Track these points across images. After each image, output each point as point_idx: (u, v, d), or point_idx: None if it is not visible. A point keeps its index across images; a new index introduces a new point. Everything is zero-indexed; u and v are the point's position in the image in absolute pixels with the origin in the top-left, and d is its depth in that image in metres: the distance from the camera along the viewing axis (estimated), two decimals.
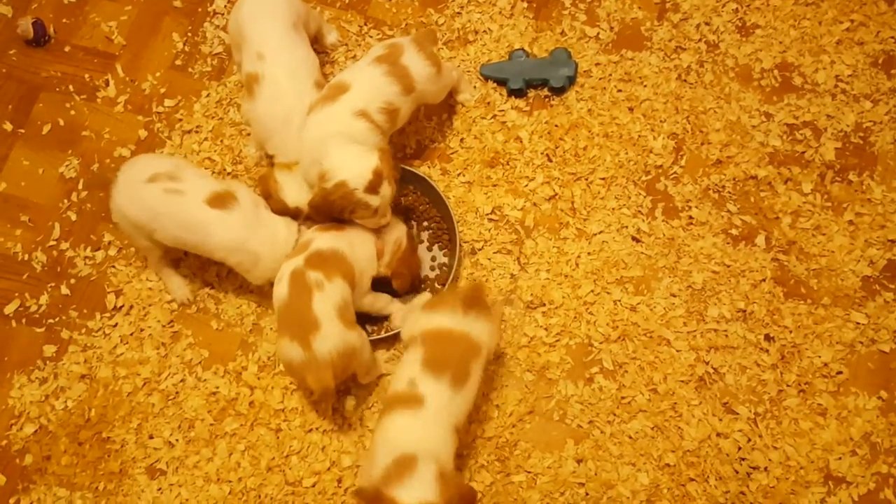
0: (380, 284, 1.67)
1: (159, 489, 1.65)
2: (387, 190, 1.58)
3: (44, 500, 1.66)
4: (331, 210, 1.59)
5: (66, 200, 1.86)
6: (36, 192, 1.88)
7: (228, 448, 1.67)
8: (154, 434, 1.69)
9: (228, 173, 1.86)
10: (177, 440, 1.68)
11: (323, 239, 1.59)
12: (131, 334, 1.76)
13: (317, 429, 1.66)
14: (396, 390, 1.46)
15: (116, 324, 1.77)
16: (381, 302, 1.70)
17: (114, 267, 1.81)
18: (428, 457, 1.37)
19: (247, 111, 1.75)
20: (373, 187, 1.56)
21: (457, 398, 1.44)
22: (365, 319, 1.67)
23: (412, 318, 1.54)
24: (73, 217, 1.85)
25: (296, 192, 1.67)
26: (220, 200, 1.59)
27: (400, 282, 1.68)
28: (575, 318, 1.72)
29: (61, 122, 1.93)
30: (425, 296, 1.72)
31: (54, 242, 1.84)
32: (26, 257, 1.83)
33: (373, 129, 1.63)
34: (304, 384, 1.54)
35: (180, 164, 1.65)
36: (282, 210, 1.68)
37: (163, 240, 1.63)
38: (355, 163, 1.56)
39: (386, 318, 1.73)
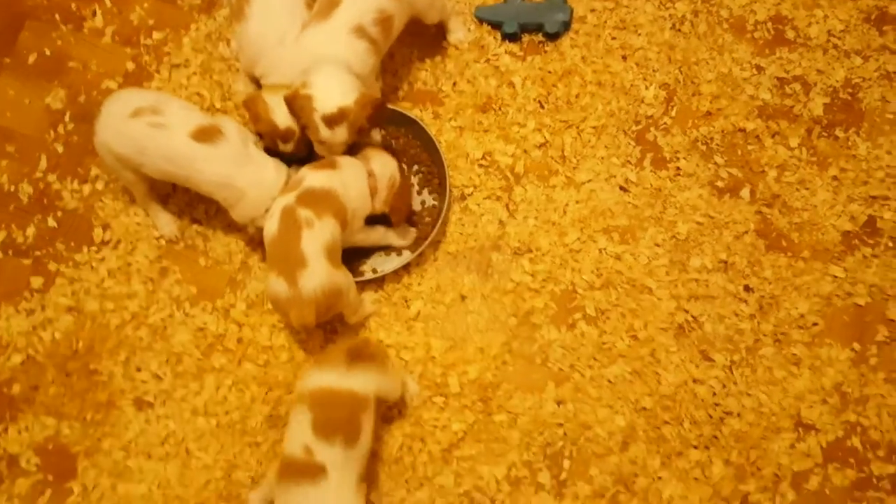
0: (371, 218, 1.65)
1: (147, 421, 1.64)
2: (342, 133, 1.55)
3: (32, 428, 1.65)
4: (291, 111, 1.58)
5: (52, 132, 1.81)
6: (21, 123, 1.81)
7: (216, 382, 1.66)
8: (142, 367, 1.67)
9: (217, 109, 1.80)
10: (164, 374, 1.67)
11: (315, 177, 1.55)
12: (119, 268, 1.73)
13: (304, 367, 1.66)
14: (293, 455, 1.42)
15: (104, 258, 1.74)
16: (374, 235, 1.68)
17: (101, 201, 1.77)
18: None
19: (238, 34, 1.69)
20: (331, 121, 1.53)
21: (354, 453, 1.42)
22: (351, 260, 1.65)
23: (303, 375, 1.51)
24: (60, 149, 1.80)
25: (286, 113, 1.61)
26: (206, 134, 1.55)
27: (397, 217, 1.65)
28: (560, 265, 1.71)
29: (47, 52, 1.86)
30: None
31: (41, 174, 1.79)
32: (12, 189, 1.78)
33: (369, 48, 1.60)
34: (287, 319, 1.53)
35: (163, 98, 1.60)
36: (271, 132, 1.62)
37: (151, 173, 1.58)
38: (332, 91, 1.53)
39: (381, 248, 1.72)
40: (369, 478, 1.58)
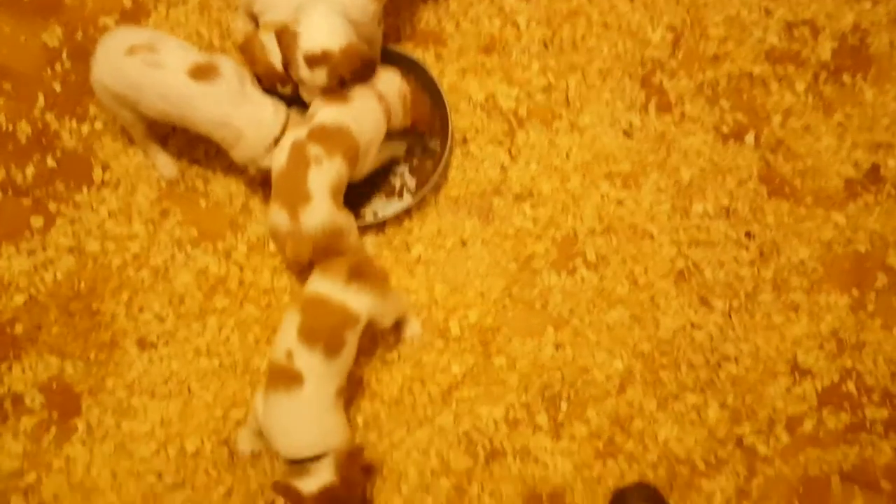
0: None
1: (150, 360, 1.65)
2: (321, 76, 1.51)
3: (35, 367, 1.65)
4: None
5: (49, 70, 1.77)
6: (18, 61, 1.77)
7: (218, 323, 1.66)
8: (144, 308, 1.67)
9: (216, 48, 1.76)
10: (167, 314, 1.67)
11: (328, 112, 1.53)
12: (119, 209, 1.71)
13: None
14: (276, 360, 1.45)
15: (104, 198, 1.72)
16: (386, 151, 1.66)
17: (100, 140, 1.74)
18: (316, 451, 1.43)
19: None
20: (312, 61, 1.50)
21: (333, 366, 1.44)
22: (352, 204, 1.64)
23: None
24: (58, 88, 1.76)
25: None
26: (203, 72, 1.52)
27: (423, 125, 1.64)
28: (562, 210, 1.70)
29: None
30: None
31: (38, 113, 1.75)
32: (10, 128, 1.75)
33: None
34: (284, 253, 1.52)
35: (160, 36, 1.57)
36: (269, 73, 1.59)
37: (147, 112, 1.56)
38: (319, 31, 1.50)
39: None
40: (370, 418, 1.61)
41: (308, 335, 1.43)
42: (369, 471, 1.55)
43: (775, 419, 1.60)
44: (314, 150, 1.49)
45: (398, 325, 1.63)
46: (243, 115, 1.54)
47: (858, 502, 1.57)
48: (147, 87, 1.52)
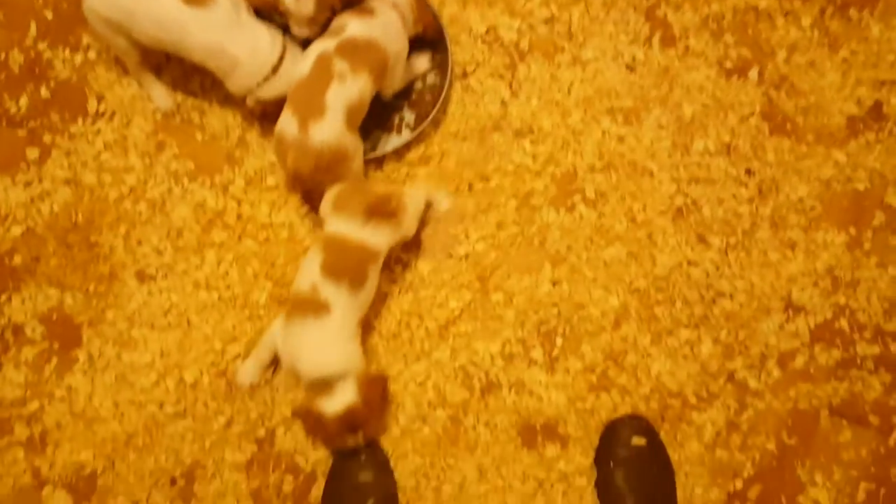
0: None
1: (149, 293, 1.65)
2: (307, 5, 1.48)
3: (35, 298, 1.66)
4: None
5: None
6: None
7: (217, 257, 1.66)
8: (142, 241, 1.67)
9: None
10: (165, 248, 1.66)
11: (357, 25, 1.49)
12: (115, 141, 1.69)
13: (303, 244, 1.66)
14: (301, 291, 1.48)
15: (99, 130, 1.69)
16: (410, 68, 1.64)
17: (94, 71, 1.70)
18: (342, 369, 1.47)
19: None
20: None
21: (358, 298, 1.48)
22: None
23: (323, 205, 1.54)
24: (50, 16, 1.71)
25: None
26: None
27: (431, 30, 1.61)
28: (562, 146, 1.67)
29: None
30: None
31: (31, 42, 1.71)
32: (2, 57, 1.71)
33: None
34: (284, 162, 1.51)
35: None
36: (266, 5, 1.55)
37: (141, 39, 1.52)
38: None
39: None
40: (369, 352, 1.62)
41: (332, 271, 1.46)
42: (387, 399, 1.58)
43: (767, 355, 1.61)
44: (340, 65, 1.46)
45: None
46: (239, 42, 1.51)
47: (846, 436, 1.60)
48: (140, 13, 1.48)
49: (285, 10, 1.51)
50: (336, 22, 1.52)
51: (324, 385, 1.48)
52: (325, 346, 1.48)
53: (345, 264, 1.47)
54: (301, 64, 1.50)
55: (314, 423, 1.49)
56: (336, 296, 1.46)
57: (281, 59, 1.53)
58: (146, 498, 1.60)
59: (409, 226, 1.57)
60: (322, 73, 1.46)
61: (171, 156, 1.69)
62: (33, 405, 1.63)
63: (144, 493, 1.61)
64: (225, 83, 1.57)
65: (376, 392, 1.51)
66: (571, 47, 1.70)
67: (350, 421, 1.47)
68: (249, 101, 1.59)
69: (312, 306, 1.47)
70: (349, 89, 1.47)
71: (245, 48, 1.51)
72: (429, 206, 1.65)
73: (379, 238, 1.49)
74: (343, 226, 1.49)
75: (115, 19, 1.50)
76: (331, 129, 1.46)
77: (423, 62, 1.68)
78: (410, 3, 1.57)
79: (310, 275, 1.48)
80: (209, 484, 1.61)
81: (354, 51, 1.47)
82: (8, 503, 1.62)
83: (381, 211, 1.49)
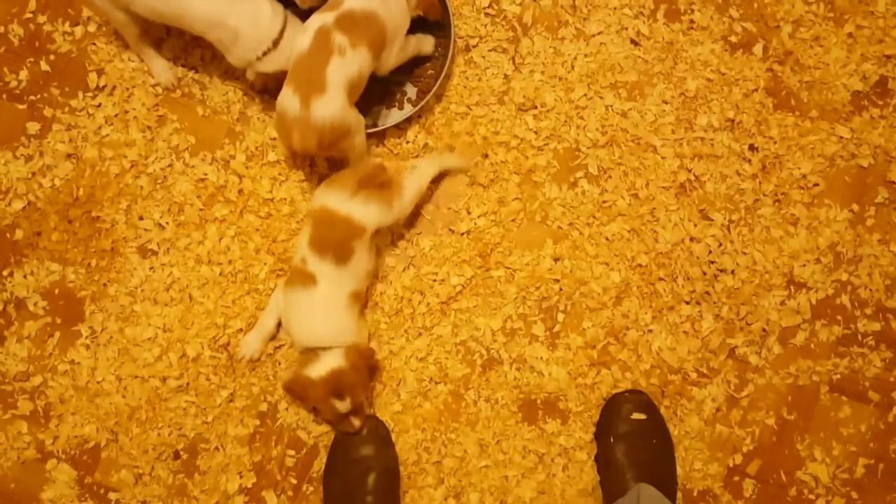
0: None
1: (151, 268, 1.65)
2: None
3: (37, 273, 1.65)
4: None
5: None
6: None
7: (219, 233, 1.65)
8: (144, 216, 1.66)
9: None
10: (167, 223, 1.65)
11: None
12: (116, 115, 1.67)
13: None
14: (295, 262, 1.53)
15: (100, 104, 1.67)
16: (410, 46, 1.61)
17: (94, 44, 1.68)
18: (329, 340, 1.50)
19: None
20: None
21: (345, 271, 1.49)
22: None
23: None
24: None
25: None
26: None
27: (432, 10, 1.58)
28: (565, 122, 1.66)
29: None
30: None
31: (30, 15, 1.69)
32: (2, 30, 1.69)
33: None
34: (288, 140, 1.48)
35: None
36: None
37: (140, 11, 1.49)
38: None
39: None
40: (371, 328, 1.62)
41: (317, 245, 1.49)
42: (375, 369, 1.58)
43: (769, 331, 1.61)
44: (339, 39, 1.44)
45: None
46: (239, 13, 1.48)
47: (846, 411, 1.60)
48: None
49: None
50: None
51: (312, 353, 1.51)
52: (313, 318, 1.52)
53: (329, 238, 1.49)
54: (300, 38, 1.48)
55: (301, 389, 1.51)
56: (321, 269, 1.49)
57: (282, 32, 1.51)
58: (149, 471, 1.61)
59: (403, 205, 1.56)
60: (322, 48, 1.44)
61: (172, 130, 1.68)
62: (36, 379, 1.63)
63: (148, 466, 1.61)
64: (226, 56, 1.55)
65: (363, 359, 1.52)
66: (575, 21, 1.67)
67: (335, 384, 1.49)
68: (250, 75, 1.57)
69: (302, 278, 1.50)
70: (349, 64, 1.45)
71: (246, 20, 1.49)
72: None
73: (366, 213, 1.50)
74: (331, 199, 1.50)
75: None
76: (333, 105, 1.45)
77: (427, 44, 1.65)
78: None
79: (301, 248, 1.52)
80: (212, 458, 1.61)
81: (353, 24, 1.45)
82: (12, 477, 1.62)
83: (372, 182, 1.49)
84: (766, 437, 1.60)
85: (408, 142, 1.66)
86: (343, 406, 1.50)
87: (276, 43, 1.50)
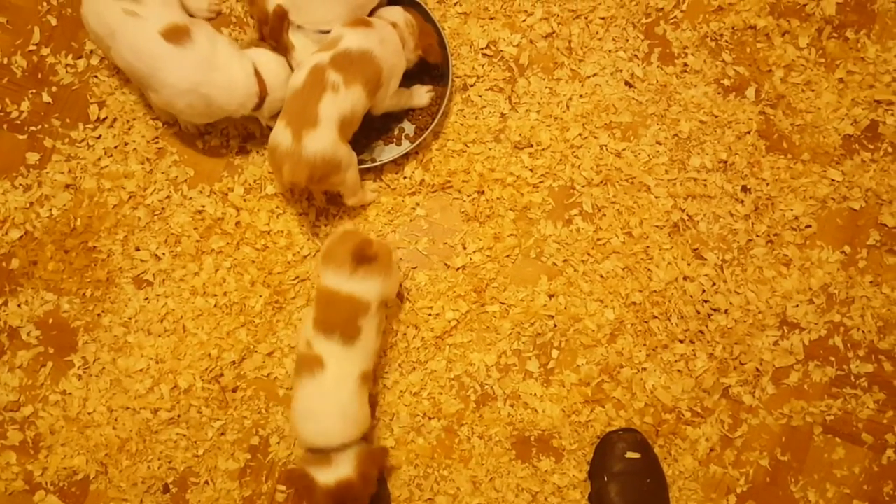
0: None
1: (146, 299, 1.62)
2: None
3: (32, 303, 1.63)
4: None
5: (45, 3, 1.69)
6: None
7: (215, 264, 1.63)
8: (140, 246, 1.64)
9: None
10: (163, 254, 1.63)
11: (353, 37, 1.47)
12: (115, 147, 1.66)
13: (301, 252, 1.64)
14: (299, 349, 1.43)
15: (100, 135, 1.66)
16: (403, 97, 1.62)
17: (96, 77, 1.68)
18: (342, 435, 1.40)
19: None
20: None
21: (353, 351, 1.40)
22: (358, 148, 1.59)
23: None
24: (54, 22, 1.69)
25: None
26: (176, 35, 1.44)
27: (432, 54, 1.58)
28: (561, 160, 1.66)
29: None
30: None
31: (34, 47, 1.69)
32: (5, 61, 1.68)
33: None
34: (279, 173, 1.47)
35: None
36: (265, 18, 1.53)
37: (117, 62, 1.49)
38: None
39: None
40: None
41: (323, 327, 1.40)
42: (385, 472, 1.52)
43: (762, 371, 1.59)
44: (333, 76, 1.44)
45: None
46: (211, 82, 1.47)
47: (839, 453, 1.57)
48: (120, 36, 1.45)
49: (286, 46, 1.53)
50: (332, 34, 1.50)
51: (322, 454, 1.41)
52: (323, 410, 1.41)
53: (335, 319, 1.40)
54: (296, 75, 1.49)
55: (305, 490, 1.40)
56: (329, 350, 1.39)
57: (261, 81, 1.51)
58: None
59: (395, 281, 1.51)
60: (315, 85, 1.44)
61: (171, 162, 1.67)
62: (27, 409, 1.60)
63: (137, 500, 1.57)
64: (201, 119, 1.56)
65: (374, 467, 1.43)
66: (571, 63, 1.68)
67: (342, 497, 1.39)
68: (265, 123, 1.59)
69: (308, 363, 1.40)
70: (342, 101, 1.45)
71: (220, 87, 1.49)
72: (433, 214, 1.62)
73: (367, 290, 1.42)
74: (331, 279, 1.42)
75: (98, 35, 1.48)
76: (323, 140, 1.44)
77: (422, 97, 1.65)
78: (411, 26, 1.55)
79: (305, 331, 1.43)
80: (202, 492, 1.58)
81: (349, 63, 1.45)
82: None
83: (368, 255, 1.41)
84: (760, 477, 1.57)
85: (405, 177, 1.66)
86: None
87: (260, 95, 1.52)
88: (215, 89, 1.48)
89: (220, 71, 1.49)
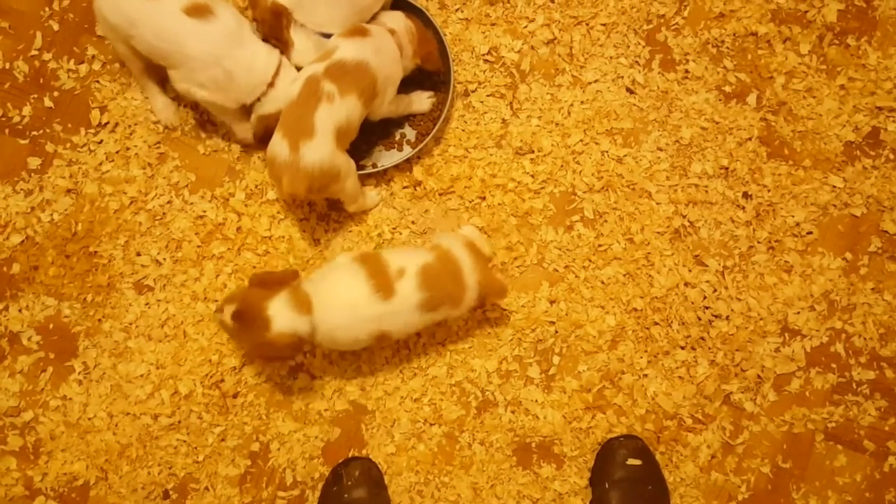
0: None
1: (147, 304, 1.61)
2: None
3: (32, 308, 1.62)
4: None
5: (47, 8, 1.69)
6: None
7: (216, 270, 1.62)
8: (141, 251, 1.63)
9: None
10: (164, 259, 1.62)
11: (348, 47, 1.46)
12: (117, 152, 1.65)
13: (303, 258, 1.63)
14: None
15: (102, 140, 1.66)
16: (403, 104, 1.61)
17: (98, 82, 1.67)
18: None
19: None
20: None
21: None
22: (352, 156, 1.58)
23: None
24: (56, 27, 1.69)
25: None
26: (199, 11, 1.45)
27: (432, 62, 1.57)
28: (562, 166, 1.65)
29: None
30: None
31: (36, 52, 1.68)
32: (7, 66, 1.68)
33: None
34: (279, 185, 1.47)
35: None
36: (267, 17, 1.52)
37: (141, 48, 1.49)
38: None
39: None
40: (366, 367, 1.59)
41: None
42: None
43: (763, 378, 1.58)
44: (328, 87, 1.43)
45: None
46: (235, 57, 1.48)
47: (841, 460, 1.56)
48: (142, 22, 1.45)
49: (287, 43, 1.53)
50: (329, 43, 1.50)
51: None
52: None
53: None
54: (291, 86, 1.48)
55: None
56: None
57: (276, 74, 1.51)
58: None
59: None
60: (311, 95, 1.44)
61: (173, 167, 1.66)
62: (27, 415, 1.59)
63: None
64: (218, 97, 1.54)
65: None
66: (572, 69, 1.67)
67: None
68: (253, 121, 1.56)
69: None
70: (338, 111, 1.44)
71: (241, 66, 1.49)
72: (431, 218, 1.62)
73: None
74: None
75: (118, 25, 1.47)
76: (320, 150, 1.44)
77: (423, 102, 1.65)
78: (411, 34, 1.54)
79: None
80: (201, 498, 1.56)
81: (343, 72, 1.45)
82: None
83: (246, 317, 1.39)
84: (762, 485, 1.56)
85: (405, 186, 1.65)
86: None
87: (271, 85, 1.51)
88: (237, 66, 1.48)
89: (246, 49, 1.50)
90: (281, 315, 1.38)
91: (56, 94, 1.68)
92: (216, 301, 1.61)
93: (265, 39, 1.55)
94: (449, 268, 1.43)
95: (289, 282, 1.42)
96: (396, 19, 1.54)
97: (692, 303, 1.60)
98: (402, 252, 1.50)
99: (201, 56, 1.46)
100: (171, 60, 1.49)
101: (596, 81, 1.67)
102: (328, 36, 1.52)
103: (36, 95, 1.68)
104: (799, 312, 1.60)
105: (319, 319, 1.40)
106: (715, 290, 1.61)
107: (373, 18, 1.56)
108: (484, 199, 1.64)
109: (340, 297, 1.41)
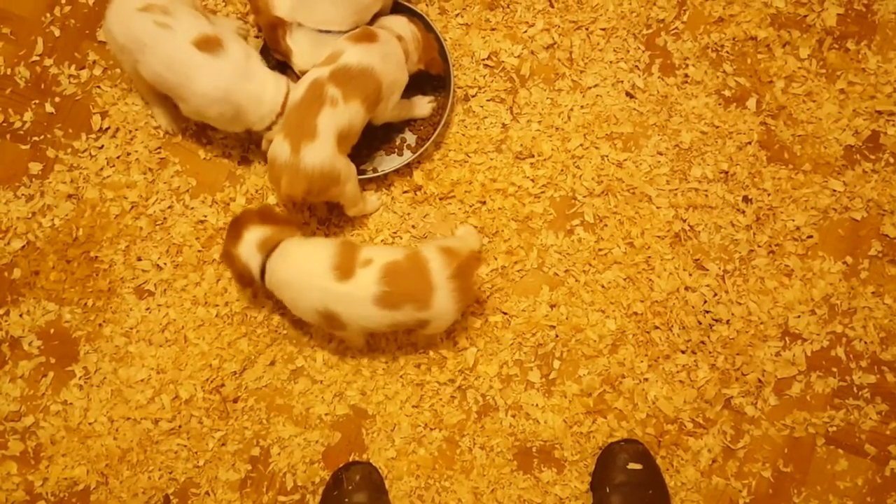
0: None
1: (147, 309, 1.61)
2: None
3: (33, 313, 1.62)
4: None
5: (48, 14, 1.69)
6: (16, 4, 1.69)
7: (216, 274, 1.62)
8: (142, 256, 1.63)
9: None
10: (165, 264, 1.62)
11: (354, 52, 1.46)
12: (118, 157, 1.65)
13: None
14: None
15: (102, 146, 1.66)
16: (404, 108, 1.61)
17: (99, 87, 1.67)
18: None
19: None
20: None
21: None
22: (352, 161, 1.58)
23: None
24: (57, 33, 1.69)
25: (287, 4, 1.52)
26: (209, 44, 1.44)
27: (435, 67, 1.58)
28: (562, 170, 1.65)
29: None
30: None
31: (37, 58, 1.68)
32: (9, 72, 1.68)
33: None
34: (278, 186, 1.46)
35: (177, 1, 1.48)
36: (269, 23, 1.52)
37: (145, 73, 1.47)
38: None
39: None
40: (367, 372, 1.59)
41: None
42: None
43: (764, 382, 1.57)
44: (332, 91, 1.43)
45: None
46: (245, 91, 1.48)
47: (842, 464, 1.56)
48: (150, 48, 1.44)
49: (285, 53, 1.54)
50: (334, 48, 1.50)
51: None
52: None
53: None
54: (295, 90, 1.48)
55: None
56: None
57: (285, 103, 1.51)
58: None
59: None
60: (314, 98, 1.44)
61: (174, 172, 1.66)
62: (28, 420, 1.59)
63: None
64: (227, 129, 1.55)
65: None
66: (572, 74, 1.67)
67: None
68: (264, 146, 1.56)
69: None
70: (340, 115, 1.44)
71: (251, 98, 1.49)
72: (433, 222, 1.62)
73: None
74: None
75: (127, 47, 1.46)
76: (321, 152, 1.43)
77: (424, 108, 1.65)
78: (417, 40, 1.54)
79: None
80: (202, 503, 1.56)
81: (348, 77, 1.45)
82: None
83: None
84: (763, 489, 1.56)
85: (405, 191, 1.65)
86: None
87: (280, 115, 1.51)
88: (245, 98, 1.48)
89: (254, 82, 1.49)
90: (247, 243, 1.47)
91: (57, 99, 1.68)
92: (217, 306, 1.61)
93: (265, 48, 1.56)
94: (416, 267, 1.43)
95: (284, 227, 1.50)
96: (403, 26, 1.54)
97: (693, 307, 1.60)
98: (380, 248, 1.54)
99: (211, 92, 1.46)
100: (178, 93, 1.48)
101: (596, 86, 1.66)
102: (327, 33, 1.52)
103: (37, 101, 1.68)
104: (799, 316, 1.60)
105: (272, 266, 1.46)
106: (715, 294, 1.60)
107: (374, 20, 1.56)
108: (484, 203, 1.64)
109: (300, 259, 1.46)
